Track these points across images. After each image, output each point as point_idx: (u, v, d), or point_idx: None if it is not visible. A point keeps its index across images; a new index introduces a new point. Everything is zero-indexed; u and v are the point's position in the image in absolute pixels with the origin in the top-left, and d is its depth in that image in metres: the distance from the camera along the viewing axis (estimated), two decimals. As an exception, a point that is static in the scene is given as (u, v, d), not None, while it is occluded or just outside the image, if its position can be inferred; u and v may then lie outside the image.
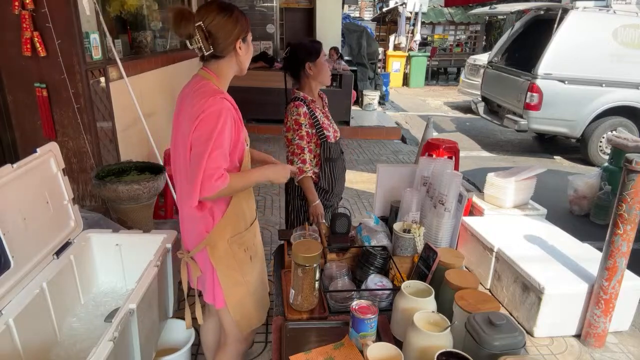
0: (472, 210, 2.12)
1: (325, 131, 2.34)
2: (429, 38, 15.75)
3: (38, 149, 1.90)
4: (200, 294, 1.84)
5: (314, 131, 2.32)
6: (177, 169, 1.64)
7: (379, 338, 1.34)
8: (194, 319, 1.88)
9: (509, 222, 1.95)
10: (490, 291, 1.74)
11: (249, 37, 1.62)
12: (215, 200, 1.61)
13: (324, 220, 1.98)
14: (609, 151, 5.39)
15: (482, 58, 9.58)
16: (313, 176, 2.36)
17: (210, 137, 1.43)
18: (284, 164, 1.69)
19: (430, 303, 1.32)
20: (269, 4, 8.41)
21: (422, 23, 14.76)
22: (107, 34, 3.45)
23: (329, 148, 2.35)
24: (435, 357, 1.09)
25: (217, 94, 1.50)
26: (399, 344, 1.25)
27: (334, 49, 7.74)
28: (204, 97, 1.49)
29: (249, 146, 1.71)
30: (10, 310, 1.61)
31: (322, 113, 2.40)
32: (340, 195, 2.59)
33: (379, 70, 10.89)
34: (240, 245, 1.70)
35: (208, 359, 2.11)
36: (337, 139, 2.43)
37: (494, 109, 7.61)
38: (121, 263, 2.24)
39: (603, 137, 6.37)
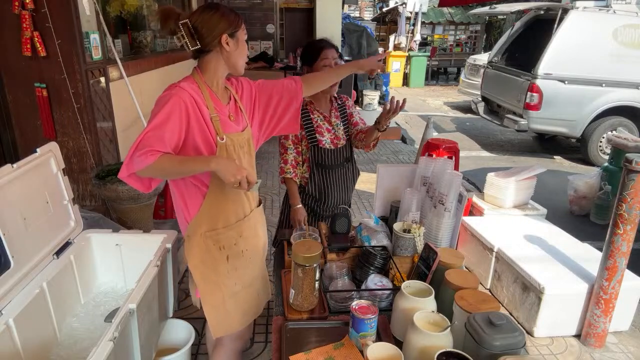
0: (472, 210, 2.12)
1: (318, 135, 2.23)
2: (429, 38, 15.74)
3: (38, 149, 1.91)
4: None
5: (303, 133, 2.23)
6: None
7: (379, 338, 1.34)
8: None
9: (509, 222, 1.95)
10: (490, 291, 1.74)
11: (240, 34, 1.62)
12: (188, 190, 1.64)
13: (305, 227, 1.90)
14: (609, 151, 5.39)
15: (482, 58, 9.58)
16: (301, 180, 2.29)
17: (152, 118, 1.47)
18: (239, 165, 1.51)
19: (430, 303, 1.32)
20: (268, 4, 8.41)
21: (422, 23, 14.75)
22: (107, 34, 3.45)
23: (320, 154, 2.25)
24: (435, 357, 1.09)
25: (178, 83, 1.56)
26: (399, 344, 1.25)
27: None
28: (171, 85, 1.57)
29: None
30: (10, 310, 1.61)
31: (324, 117, 2.28)
32: (341, 206, 2.43)
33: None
34: (215, 242, 1.68)
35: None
36: (339, 146, 2.30)
37: (494, 109, 7.61)
38: (121, 263, 2.24)
39: (603, 137, 6.37)
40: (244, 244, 1.75)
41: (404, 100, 2.00)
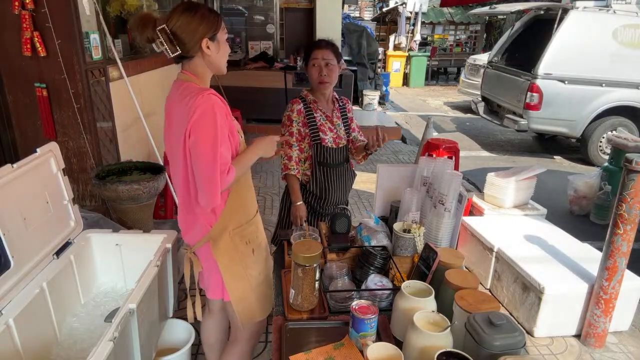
0: (472, 210, 2.12)
1: (321, 133, 2.27)
2: (429, 38, 15.73)
3: (38, 149, 1.90)
4: (201, 291, 1.84)
5: (307, 131, 2.26)
6: (176, 171, 1.64)
7: (379, 338, 1.34)
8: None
9: (509, 222, 1.95)
10: (490, 291, 1.74)
11: (221, 35, 1.58)
12: None
13: (305, 223, 1.94)
14: (609, 151, 5.39)
15: (482, 58, 9.57)
16: (302, 177, 2.33)
17: (215, 136, 1.47)
18: (267, 136, 1.70)
19: (430, 303, 1.32)
20: (268, 4, 8.41)
21: (422, 23, 14.74)
22: (107, 34, 3.45)
23: (322, 152, 2.28)
24: (435, 357, 1.09)
25: (204, 91, 1.52)
26: (399, 344, 1.25)
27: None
28: (193, 96, 1.50)
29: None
30: (10, 310, 1.61)
31: (326, 116, 2.31)
32: (341, 205, 2.47)
33: (379, 70, 10.88)
34: (242, 238, 1.71)
35: (209, 358, 2.10)
36: (340, 145, 2.34)
37: (494, 109, 7.61)
38: (121, 263, 2.24)
39: (603, 137, 6.37)
40: (261, 236, 1.83)
41: (385, 137, 2.11)
